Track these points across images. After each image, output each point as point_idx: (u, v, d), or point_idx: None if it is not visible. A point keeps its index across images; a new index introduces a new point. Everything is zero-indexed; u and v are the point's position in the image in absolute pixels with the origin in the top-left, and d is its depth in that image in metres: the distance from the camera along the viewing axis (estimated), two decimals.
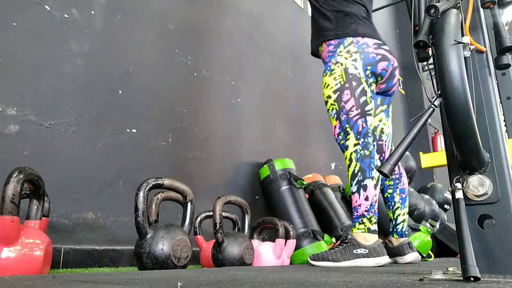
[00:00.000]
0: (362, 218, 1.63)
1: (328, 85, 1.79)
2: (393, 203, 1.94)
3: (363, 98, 1.74)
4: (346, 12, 1.82)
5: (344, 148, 1.76)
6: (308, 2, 2.03)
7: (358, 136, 1.71)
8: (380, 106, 1.96)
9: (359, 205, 1.64)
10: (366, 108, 1.74)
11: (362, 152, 1.69)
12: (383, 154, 1.96)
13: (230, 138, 2.40)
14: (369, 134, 1.74)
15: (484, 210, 0.79)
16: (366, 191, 1.64)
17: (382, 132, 1.96)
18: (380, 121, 1.96)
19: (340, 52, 1.78)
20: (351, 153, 1.71)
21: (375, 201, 1.65)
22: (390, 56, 1.80)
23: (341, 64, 1.76)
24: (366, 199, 1.63)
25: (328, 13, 1.84)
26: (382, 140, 1.96)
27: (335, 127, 1.78)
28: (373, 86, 1.80)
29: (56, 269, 1.43)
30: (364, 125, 1.73)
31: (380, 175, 1.70)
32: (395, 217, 1.92)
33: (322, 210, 2.43)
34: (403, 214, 1.93)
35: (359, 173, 1.66)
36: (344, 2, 1.84)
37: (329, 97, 1.78)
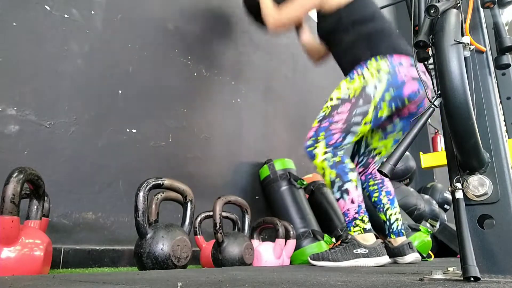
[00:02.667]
0: (354, 221, 1.64)
1: (340, 89, 1.73)
2: (382, 205, 1.94)
3: (357, 118, 1.66)
4: (375, 31, 1.73)
5: (311, 156, 1.71)
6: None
7: (328, 146, 1.68)
8: (396, 134, 1.89)
9: (348, 210, 1.65)
10: (353, 129, 1.68)
11: (333, 159, 1.67)
12: (366, 169, 1.96)
13: (230, 138, 2.40)
14: (341, 148, 1.70)
15: (484, 210, 0.79)
16: (350, 194, 1.64)
17: (379, 154, 1.95)
18: (385, 146, 1.92)
19: (370, 65, 1.67)
20: (322, 162, 1.68)
21: (361, 201, 1.66)
22: (425, 78, 1.56)
23: (364, 79, 1.66)
24: (352, 202, 1.64)
25: (361, 40, 1.72)
26: (373, 159, 1.95)
27: (311, 129, 1.74)
28: (386, 112, 1.68)
29: (56, 269, 1.43)
30: (339, 140, 1.68)
31: (358, 175, 1.71)
32: (387, 217, 1.92)
33: (322, 210, 2.43)
34: (395, 214, 1.93)
35: (337, 179, 1.65)
36: (371, 23, 1.73)
37: (331, 99, 1.74)
